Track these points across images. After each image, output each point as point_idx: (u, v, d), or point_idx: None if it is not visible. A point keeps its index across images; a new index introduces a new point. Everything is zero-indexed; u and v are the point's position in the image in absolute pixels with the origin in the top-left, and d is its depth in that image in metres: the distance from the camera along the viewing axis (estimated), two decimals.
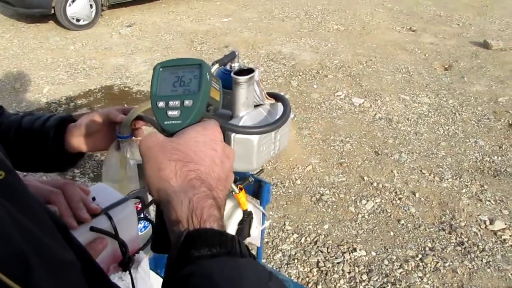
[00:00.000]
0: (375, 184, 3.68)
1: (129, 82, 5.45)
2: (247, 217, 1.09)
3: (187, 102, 0.64)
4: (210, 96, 0.67)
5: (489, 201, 3.52)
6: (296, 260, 2.95)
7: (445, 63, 6.03)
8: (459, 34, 7.11)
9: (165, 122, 0.65)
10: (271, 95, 0.97)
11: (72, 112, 4.77)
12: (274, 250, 3.03)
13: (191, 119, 0.64)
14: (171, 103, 0.65)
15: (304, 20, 7.74)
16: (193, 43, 6.69)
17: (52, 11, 6.99)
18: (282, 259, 2.96)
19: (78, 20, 7.17)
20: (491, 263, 2.95)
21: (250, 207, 1.10)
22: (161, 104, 0.65)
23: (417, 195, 3.56)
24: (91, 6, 7.25)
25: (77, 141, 1.00)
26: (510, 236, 3.17)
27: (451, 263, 2.94)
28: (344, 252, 3.01)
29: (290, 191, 3.61)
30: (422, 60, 6.12)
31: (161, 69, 0.69)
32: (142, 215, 0.94)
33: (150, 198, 1.03)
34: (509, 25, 7.60)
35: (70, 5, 7.00)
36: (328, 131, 4.43)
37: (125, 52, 6.36)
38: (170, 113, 0.64)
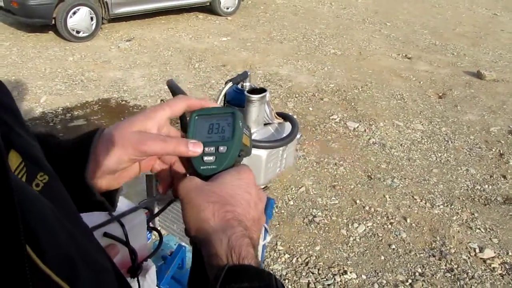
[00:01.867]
0: (367, 208, 3.71)
1: (126, 96, 5.48)
2: None
3: (221, 149, 0.68)
4: (242, 142, 0.71)
5: (479, 229, 3.56)
6: (287, 281, 2.95)
7: (439, 91, 6.13)
8: (454, 64, 7.24)
9: (201, 167, 0.68)
10: (280, 114, 1.01)
11: (68, 124, 4.78)
12: None
13: (226, 164, 0.68)
14: (206, 149, 0.68)
15: (301, 43, 7.84)
16: (191, 61, 6.75)
17: (53, 22, 7.05)
18: None
19: (78, 32, 7.22)
20: None
21: None
22: None
23: (408, 220, 3.59)
24: (91, 18, 7.32)
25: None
26: (499, 264, 3.20)
27: None
28: (335, 274, 3.02)
29: (283, 211, 3.63)
30: (416, 87, 6.21)
31: (196, 117, 0.72)
32: (149, 225, 0.96)
33: (156, 209, 1.05)
34: (502, 57, 7.74)
35: (71, 16, 7.07)
36: (322, 154, 4.47)
37: (123, 66, 6.40)
38: (206, 158, 0.68)
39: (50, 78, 5.86)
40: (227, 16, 9.17)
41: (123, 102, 5.35)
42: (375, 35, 8.50)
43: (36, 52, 6.73)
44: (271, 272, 0.58)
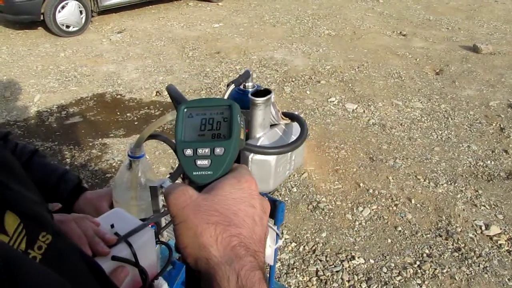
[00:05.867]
0: (371, 190, 3.69)
1: (121, 90, 5.42)
2: None
3: (218, 150, 0.57)
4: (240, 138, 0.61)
5: (484, 206, 3.54)
6: (295, 269, 2.94)
7: (436, 68, 6.08)
8: (449, 38, 7.17)
9: (194, 173, 0.57)
10: (286, 115, 0.97)
11: (64, 121, 4.72)
12: None
13: (224, 170, 0.57)
14: (200, 151, 0.57)
15: (295, 25, 7.76)
16: (184, 49, 6.67)
17: (42, 18, 6.95)
18: (281, 268, 2.95)
19: (68, 26, 7.13)
20: (488, 268, 2.96)
21: None
22: (188, 152, 0.58)
23: (413, 201, 3.57)
24: (80, 12, 7.22)
25: (83, 210, 1.12)
26: (505, 241, 3.19)
27: (449, 269, 2.95)
28: (343, 260, 3.01)
29: (286, 199, 3.60)
30: (413, 65, 6.16)
31: (185, 110, 0.61)
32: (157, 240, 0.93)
33: (164, 222, 1.02)
34: (497, 29, 7.68)
35: (59, 11, 6.97)
36: (322, 138, 4.43)
37: (116, 59, 6.32)
38: (199, 162, 0.57)
39: (42, 76, 5.78)
40: (218, 2, 9.07)
41: (118, 96, 5.29)
42: (368, 13, 8.41)
43: (26, 49, 6.64)
44: None
